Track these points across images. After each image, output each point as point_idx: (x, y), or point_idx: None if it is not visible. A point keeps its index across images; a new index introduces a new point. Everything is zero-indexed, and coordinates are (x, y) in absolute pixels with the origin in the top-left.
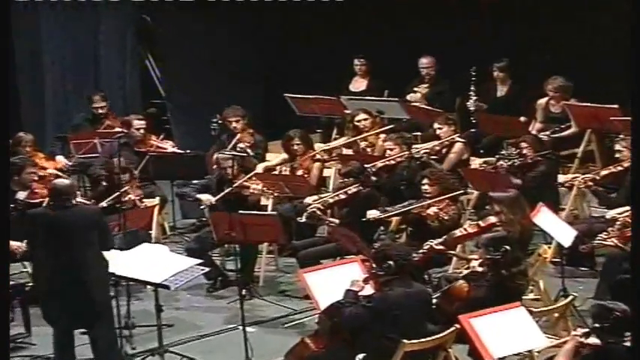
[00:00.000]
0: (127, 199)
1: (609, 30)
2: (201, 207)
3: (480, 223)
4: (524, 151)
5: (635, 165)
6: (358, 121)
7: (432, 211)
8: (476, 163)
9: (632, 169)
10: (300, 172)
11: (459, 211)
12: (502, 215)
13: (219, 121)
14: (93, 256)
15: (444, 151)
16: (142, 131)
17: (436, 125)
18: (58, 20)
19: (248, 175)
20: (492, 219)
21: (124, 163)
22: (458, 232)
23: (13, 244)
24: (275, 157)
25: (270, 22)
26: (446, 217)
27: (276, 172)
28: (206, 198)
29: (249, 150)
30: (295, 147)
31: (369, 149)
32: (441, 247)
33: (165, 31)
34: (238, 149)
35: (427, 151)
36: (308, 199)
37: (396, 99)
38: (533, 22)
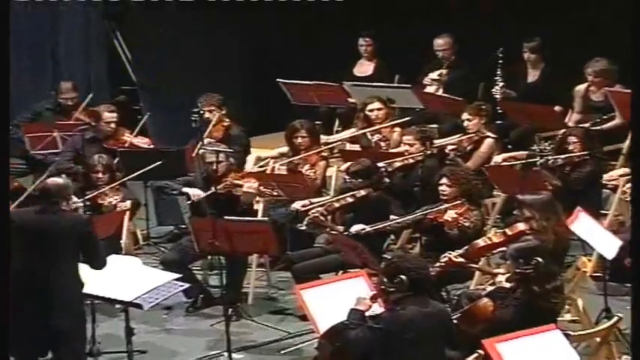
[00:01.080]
0: (105, 202)
1: None
2: (187, 203)
3: (507, 231)
4: (571, 147)
5: (636, 165)
6: (371, 110)
7: (450, 216)
8: (499, 159)
9: (632, 169)
10: (306, 168)
11: (483, 217)
12: (533, 221)
13: (202, 111)
14: (65, 272)
15: (468, 147)
16: (113, 125)
17: (465, 116)
18: None
19: (240, 174)
20: (521, 226)
21: (105, 160)
22: (481, 242)
23: None
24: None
25: None
26: (467, 224)
27: (269, 170)
28: (194, 192)
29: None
30: (300, 140)
31: (383, 143)
32: (462, 259)
33: (137, 5)
34: (202, 146)
35: (454, 146)
36: (296, 204)
37: (409, 85)
38: None
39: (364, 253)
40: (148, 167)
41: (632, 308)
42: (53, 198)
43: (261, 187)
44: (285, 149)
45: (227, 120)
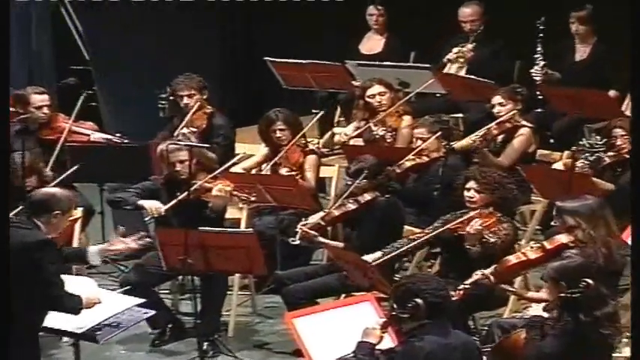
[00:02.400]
0: None
1: None
2: (145, 219)
3: (546, 244)
4: (619, 142)
5: (636, 164)
6: (371, 96)
7: (473, 228)
8: (559, 165)
9: (632, 168)
10: (284, 171)
11: (515, 231)
12: (578, 232)
13: (171, 97)
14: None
15: (499, 138)
16: (45, 110)
17: (496, 100)
18: None
19: (212, 174)
20: (563, 238)
21: (27, 159)
22: (513, 259)
23: None
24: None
25: None
26: (492, 239)
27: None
28: (152, 205)
29: (193, 138)
30: (278, 134)
31: (388, 135)
32: (491, 279)
33: None
34: (181, 136)
35: (481, 137)
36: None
37: (427, 65)
38: None
39: (372, 272)
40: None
41: (633, 308)
42: (33, 210)
43: (236, 192)
44: (266, 151)
45: (209, 107)
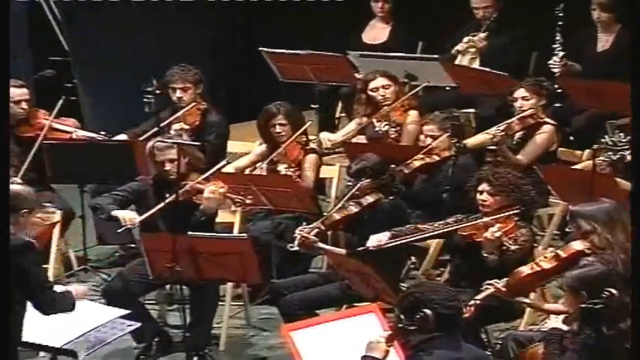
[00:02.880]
0: None
1: None
2: (119, 231)
3: (560, 252)
4: None
5: (636, 164)
6: (374, 89)
7: (491, 235)
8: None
9: (632, 169)
10: (282, 168)
11: (533, 237)
12: (594, 238)
13: (158, 90)
14: None
15: (516, 136)
16: (24, 105)
17: (520, 93)
18: None
19: (205, 175)
20: (578, 245)
21: None
22: (526, 270)
23: None
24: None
25: None
26: (512, 248)
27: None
28: (126, 216)
29: (185, 136)
30: (278, 128)
31: (392, 131)
32: (504, 293)
33: None
34: (173, 133)
35: (501, 132)
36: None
37: (436, 56)
38: None
39: (376, 280)
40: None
41: (633, 308)
42: (12, 206)
43: (227, 194)
44: (262, 149)
45: (203, 103)
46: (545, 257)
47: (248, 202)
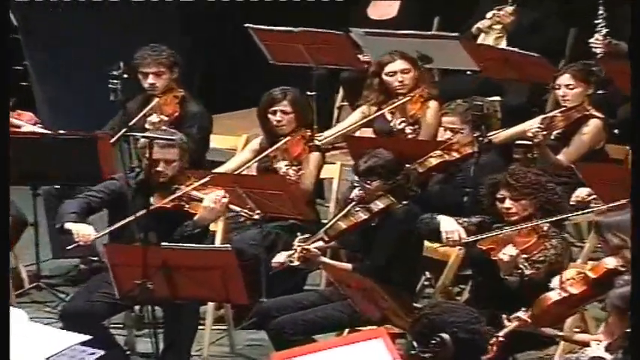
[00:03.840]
0: None
1: None
2: (69, 248)
3: (589, 273)
4: None
5: (636, 164)
6: (391, 73)
7: (508, 253)
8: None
9: (632, 169)
10: (282, 165)
11: (567, 248)
12: (626, 252)
13: (125, 75)
14: None
15: (559, 129)
16: None
17: (564, 80)
18: None
19: (204, 179)
20: (610, 262)
21: None
22: (554, 296)
23: None
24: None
25: None
26: (530, 270)
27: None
28: (80, 231)
29: (163, 128)
30: (279, 116)
31: (409, 128)
32: (531, 322)
33: None
34: (149, 125)
35: (543, 128)
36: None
37: (455, 34)
38: None
39: (384, 299)
40: None
41: (633, 307)
42: None
43: (230, 205)
44: (256, 144)
45: (180, 90)
46: (574, 279)
47: (256, 217)
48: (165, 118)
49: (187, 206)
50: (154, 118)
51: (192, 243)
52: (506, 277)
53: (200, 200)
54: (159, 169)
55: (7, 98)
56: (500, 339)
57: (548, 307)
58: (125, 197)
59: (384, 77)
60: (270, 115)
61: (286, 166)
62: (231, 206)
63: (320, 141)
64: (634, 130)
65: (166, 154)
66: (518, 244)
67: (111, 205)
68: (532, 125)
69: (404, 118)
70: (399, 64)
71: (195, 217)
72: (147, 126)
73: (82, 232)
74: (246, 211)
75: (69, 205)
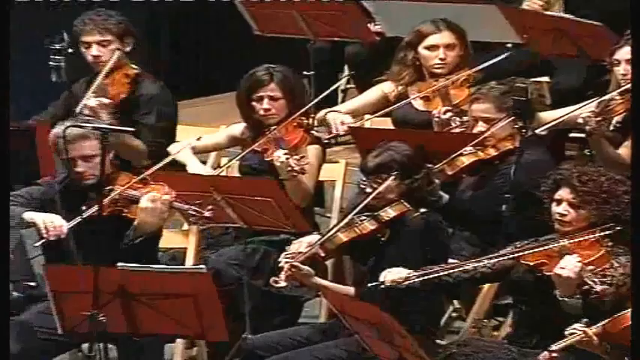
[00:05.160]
0: None
1: None
2: (38, 244)
3: None
4: None
5: (636, 164)
6: (432, 47)
7: (570, 268)
8: None
9: (632, 168)
10: (281, 154)
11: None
12: None
13: (71, 49)
14: None
15: (615, 119)
16: None
17: (623, 55)
18: None
19: (141, 176)
20: None
21: None
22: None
23: None
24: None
25: None
26: (600, 286)
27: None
28: (48, 221)
29: (105, 115)
30: (267, 104)
31: (458, 121)
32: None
33: None
34: (87, 111)
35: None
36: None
37: None
38: None
39: (401, 334)
40: None
41: (633, 308)
42: None
43: (174, 203)
44: (237, 129)
45: (134, 66)
46: None
47: (207, 214)
48: (106, 102)
49: (126, 211)
50: (92, 101)
51: (138, 259)
52: (564, 299)
53: (136, 201)
54: (78, 169)
55: (7, 98)
56: (555, 355)
57: (625, 328)
58: (54, 206)
59: (421, 51)
60: (254, 103)
61: (285, 155)
62: (176, 204)
63: (338, 132)
64: (634, 129)
65: (82, 149)
66: (580, 256)
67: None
68: (585, 113)
69: (449, 107)
70: (444, 37)
71: (135, 223)
72: (86, 112)
73: (52, 222)
74: (194, 208)
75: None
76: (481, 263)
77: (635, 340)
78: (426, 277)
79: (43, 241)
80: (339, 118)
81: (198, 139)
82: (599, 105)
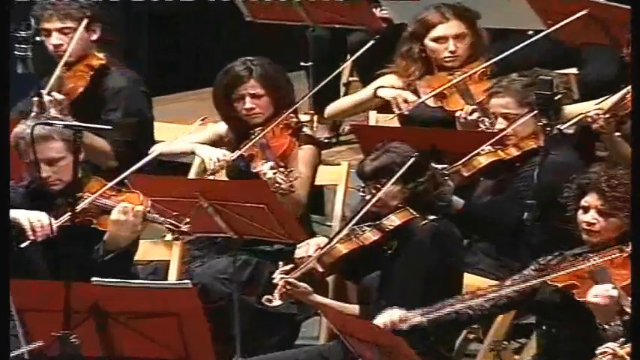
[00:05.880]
0: None
1: None
2: (24, 245)
3: None
4: None
5: (636, 164)
6: (440, 39)
7: (607, 294)
8: None
9: (632, 168)
10: (267, 169)
11: None
12: None
13: (38, 37)
14: None
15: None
16: None
17: None
18: None
19: (113, 181)
20: None
21: None
22: None
23: None
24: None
25: None
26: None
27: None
28: (34, 219)
29: (54, 112)
30: (249, 103)
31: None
32: None
33: None
34: (49, 105)
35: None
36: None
37: None
38: None
39: (411, 358)
40: None
41: (633, 307)
42: None
43: (148, 214)
44: (222, 128)
45: (100, 55)
46: None
47: (184, 229)
48: (59, 97)
49: (95, 222)
50: (55, 95)
51: (111, 274)
52: (602, 327)
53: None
54: (43, 174)
55: (7, 98)
56: None
57: None
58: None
59: (428, 43)
60: (235, 103)
61: (272, 169)
62: (149, 216)
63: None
64: (634, 129)
65: (45, 152)
66: (614, 277)
67: None
68: (594, 109)
69: (475, 107)
70: (452, 26)
71: (104, 238)
72: (46, 108)
73: (37, 220)
74: (170, 221)
75: None
76: (503, 291)
77: (636, 340)
78: (433, 317)
79: (29, 242)
80: (402, 95)
81: (203, 119)
82: (613, 102)
